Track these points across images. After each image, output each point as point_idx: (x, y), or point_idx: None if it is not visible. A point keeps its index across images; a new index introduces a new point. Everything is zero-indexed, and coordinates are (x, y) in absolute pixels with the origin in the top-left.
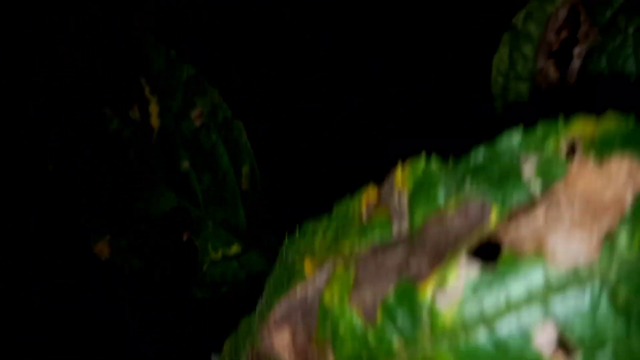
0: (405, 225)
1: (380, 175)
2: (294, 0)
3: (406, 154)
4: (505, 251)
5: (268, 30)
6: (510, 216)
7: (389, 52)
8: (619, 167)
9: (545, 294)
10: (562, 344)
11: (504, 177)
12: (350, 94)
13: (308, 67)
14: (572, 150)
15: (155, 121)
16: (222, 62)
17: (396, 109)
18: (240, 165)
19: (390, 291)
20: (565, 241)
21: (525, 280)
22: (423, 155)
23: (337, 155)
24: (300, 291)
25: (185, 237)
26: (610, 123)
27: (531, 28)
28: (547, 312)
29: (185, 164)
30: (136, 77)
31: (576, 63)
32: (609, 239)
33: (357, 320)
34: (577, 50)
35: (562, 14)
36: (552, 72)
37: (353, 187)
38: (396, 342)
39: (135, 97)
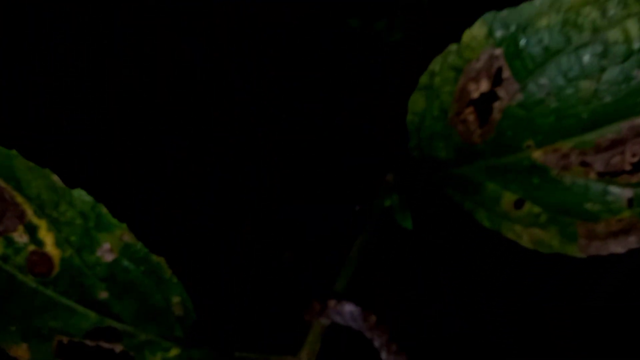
0: None
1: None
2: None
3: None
4: None
5: (268, 30)
6: None
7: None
8: None
9: None
10: None
11: None
12: (350, 94)
13: (308, 67)
14: None
15: (53, 251)
16: (222, 62)
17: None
18: (168, 296)
19: None
20: None
21: None
22: None
23: (337, 155)
24: None
25: (118, 349)
26: None
27: (449, 74)
28: None
29: (103, 294)
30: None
31: (497, 115)
32: None
33: None
34: (497, 104)
35: (480, 64)
36: (472, 122)
37: (353, 187)
38: None
39: (14, 217)
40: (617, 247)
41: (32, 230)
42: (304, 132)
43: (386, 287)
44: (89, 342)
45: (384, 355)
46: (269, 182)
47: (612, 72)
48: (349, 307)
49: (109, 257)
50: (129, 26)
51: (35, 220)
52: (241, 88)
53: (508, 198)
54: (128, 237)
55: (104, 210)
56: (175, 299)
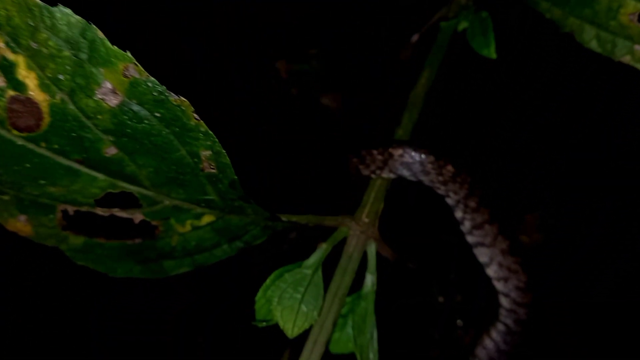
0: None
1: None
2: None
3: None
4: None
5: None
6: None
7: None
8: None
9: None
10: None
11: None
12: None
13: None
14: None
15: (39, 95)
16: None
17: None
18: (196, 149)
19: None
20: None
21: None
22: None
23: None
24: None
25: (137, 219)
26: None
27: None
28: None
29: (111, 151)
30: None
31: None
32: None
33: None
34: None
35: None
36: None
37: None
38: None
39: None
40: None
41: (7, 69)
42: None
43: (457, 135)
44: (100, 211)
45: (459, 213)
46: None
47: None
48: (418, 156)
49: (113, 101)
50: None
51: (10, 55)
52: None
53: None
54: (136, 71)
55: (99, 35)
56: (205, 153)
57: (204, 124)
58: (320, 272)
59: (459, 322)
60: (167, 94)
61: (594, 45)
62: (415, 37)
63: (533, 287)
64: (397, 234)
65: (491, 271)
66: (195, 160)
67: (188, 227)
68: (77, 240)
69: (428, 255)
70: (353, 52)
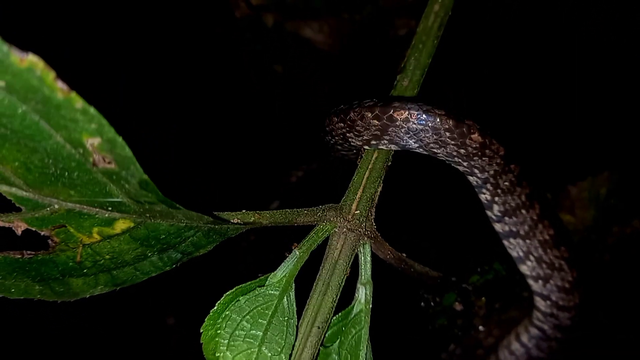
0: None
1: None
2: None
3: None
4: None
5: None
6: None
7: None
8: None
9: None
10: None
11: None
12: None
13: None
14: None
15: None
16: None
17: None
18: (77, 136)
19: None
20: None
21: None
22: None
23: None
24: None
25: (19, 228)
26: None
27: None
28: None
29: None
30: None
31: None
32: None
33: None
34: None
35: None
36: None
37: None
38: None
39: None
40: None
41: None
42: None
43: (481, 87)
44: None
45: (486, 195)
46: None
47: None
48: (430, 120)
49: None
50: None
51: None
52: None
53: None
54: None
55: None
56: (93, 141)
57: (79, 98)
58: (291, 292)
59: (481, 328)
60: (6, 51)
61: None
62: None
63: (582, 284)
64: (402, 228)
65: (526, 268)
66: (80, 150)
67: (96, 237)
68: None
69: (442, 252)
70: None
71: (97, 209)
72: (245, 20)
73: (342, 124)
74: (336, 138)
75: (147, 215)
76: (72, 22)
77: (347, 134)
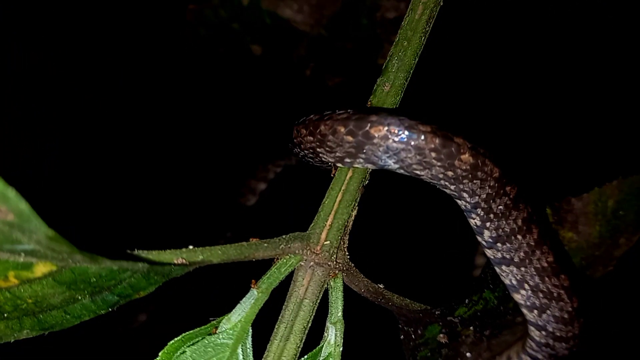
0: None
1: None
2: None
3: None
4: None
5: None
6: None
7: None
8: None
9: None
10: None
11: None
12: None
13: None
14: None
15: None
16: None
17: None
18: None
19: None
20: None
21: None
22: None
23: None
24: None
25: None
26: None
27: None
28: None
29: None
30: None
31: None
32: None
33: None
34: None
35: None
36: None
37: None
38: None
39: None
40: None
41: None
42: None
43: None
44: None
45: (476, 220)
46: None
47: None
48: (413, 137)
49: None
50: None
51: None
52: None
53: None
54: None
55: None
56: None
57: None
58: (248, 340)
59: (469, 355)
60: None
61: None
62: None
63: (583, 313)
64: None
65: (520, 297)
66: None
67: (14, 281)
68: None
69: (425, 281)
70: None
71: (7, 254)
72: None
73: (311, 138)
74: (305, 152)
75: (70, 260)
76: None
77: (317, 149)
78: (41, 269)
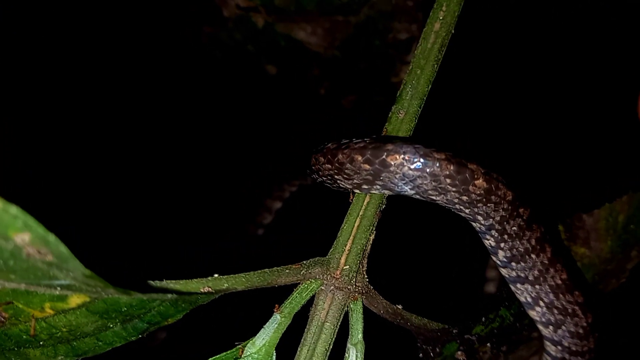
0: None
1: None
2: None
3: None
4: None
5: None
6: None
7: None
8: None
9: None
10: None
11: None
12: None
13: None
14: None
15: None
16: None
17: None
18: (3, 231)
19: None
20: None
21: None
22: None
23: None
24: None
25: None
26: None
27: None
28: None
29: None
30: None
31: None
32: None
33: None
34: None
35: None
36: None
37: None
38: None
39: None
40: None
41: None
42: None
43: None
44: None
45: (490, 241)
46: None
47: None
48: (429, 165)
49: None
50: None
51: None
52: None
53: None
54: None
55: None
56: (22, 237)
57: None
58: None
59: None
60: None
61: None
62: None
63: (598, 328)
64: (397, 275)
65: (536, 314)
66: (11, 244)
67: (49, 311)
68: None
69: (442, 300)
70: None
71: (44, 288)
72: (235, 20)
73: (329, 166)
74: (324, 178)
75: (102, 293)
76: None
77: (336, 176)
78: (75, 300)
